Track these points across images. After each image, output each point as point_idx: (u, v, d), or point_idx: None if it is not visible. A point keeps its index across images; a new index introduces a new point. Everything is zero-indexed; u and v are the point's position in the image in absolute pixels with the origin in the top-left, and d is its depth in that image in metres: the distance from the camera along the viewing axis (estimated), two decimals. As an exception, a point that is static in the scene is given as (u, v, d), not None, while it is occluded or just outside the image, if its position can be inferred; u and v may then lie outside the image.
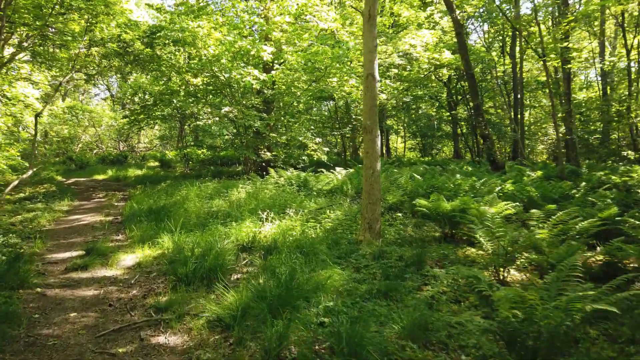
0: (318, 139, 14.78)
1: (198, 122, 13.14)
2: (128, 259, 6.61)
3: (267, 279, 5.47)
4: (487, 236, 6.03)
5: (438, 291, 5.42)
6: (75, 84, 34.39)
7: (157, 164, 22.30)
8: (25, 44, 20.64)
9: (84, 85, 36.34)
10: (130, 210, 9.65)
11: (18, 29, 14.90)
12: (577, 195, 9.05)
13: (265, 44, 14.16)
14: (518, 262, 6.11)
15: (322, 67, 14.89)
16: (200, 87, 16.22)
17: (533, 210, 6.96)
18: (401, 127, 35.31)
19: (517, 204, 7.91)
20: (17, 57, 18.00)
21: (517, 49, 22.25)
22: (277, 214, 8.41)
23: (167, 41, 13.75)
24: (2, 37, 13.06)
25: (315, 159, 15.54)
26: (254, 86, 14.60)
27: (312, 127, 16.14)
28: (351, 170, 14.23)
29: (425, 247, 6.93)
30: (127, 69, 14.16)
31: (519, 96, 23.05)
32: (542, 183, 10.66)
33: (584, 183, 10.29)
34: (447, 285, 5.55)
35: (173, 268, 5.76)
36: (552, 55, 14.12)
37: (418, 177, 10.93)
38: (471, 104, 22.34)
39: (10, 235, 7.34)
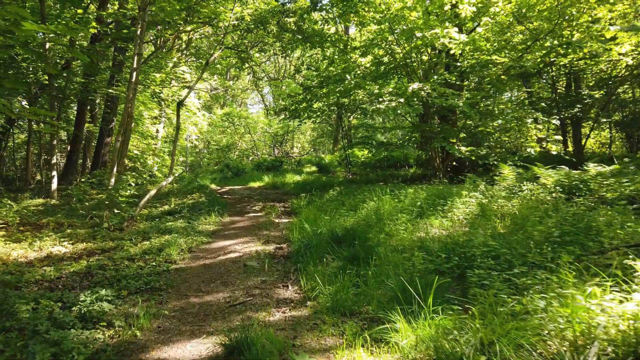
0: (555, 120, 9.38)
1: (379, 106, 8.99)
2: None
3: None
4: None
5: None
6: (233, 94, 34.09)
7: (314, 168, 19.09)
8: (185, 53, 19.43)
9: (240, 95, 36.05)
10: (300, 236, 5.75)
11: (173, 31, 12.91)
12: None
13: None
14: None
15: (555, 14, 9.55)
16: (371, 67, 12.18)
17: None
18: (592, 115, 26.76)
19: None
20: (180, 62, 16.42)
21: None
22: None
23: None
24: (142, 32, 10.69)
25: (534, 151, 10.08)
26: (453, 51, 9.96)
27: (526, 108, 10.75)
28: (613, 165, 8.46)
29: None
30: (287, 37, 10.75)
31: None
32: None
33: None
34: None
35: None
36: None
37: None
38: None
39: (106, 291, 3.85)
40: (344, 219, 6.72)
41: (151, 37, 18.06)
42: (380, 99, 9.52)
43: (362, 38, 11.82)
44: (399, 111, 9.00)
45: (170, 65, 16.14)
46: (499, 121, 9.48)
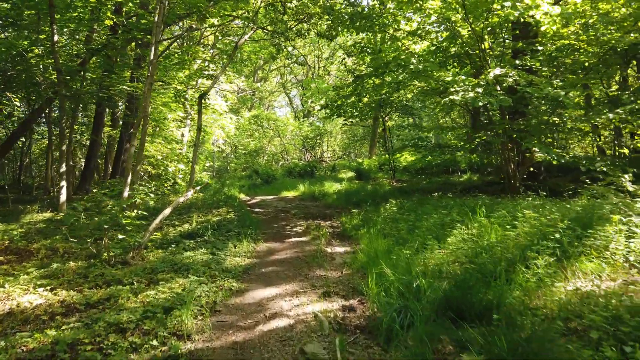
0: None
1: (453, 97, 6.87)
2: None
3: None
4: None
5: None
6: (260, 96, 32.45)
7: (351, 174, 16.99)
8: (212, 52, 17.68)
9: (268, 97, 34.43)
10: (381, 288, 3.68)
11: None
12: None
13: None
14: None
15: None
16: (426, 56, 10.05)
17: None
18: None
19: None
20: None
21: None
22: None
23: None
24: (159, 17, 8.96)
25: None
26: (544, 27, 7.82)
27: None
28: None
29: None
30: (336, 8, 8.66)
31: None
32: None
33: None
34: None
35: None
36: None
37: None
38: None
39: None
40: (430, 253, 4.61)
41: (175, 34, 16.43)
42: (452, 89, 7.38)
43: (415, 20, 9.65)
44: (480, 102, 6.83)
45: (198, 62, 14.42)
46: (610, 115, 7.17)
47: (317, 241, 6.12)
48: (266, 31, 9.48)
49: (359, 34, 9.35)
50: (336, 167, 19.13)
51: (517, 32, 9.65)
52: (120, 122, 15.64)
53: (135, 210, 5.84)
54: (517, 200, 6.56)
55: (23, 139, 17.41)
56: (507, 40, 10.23)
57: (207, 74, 13.27)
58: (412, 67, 7.14)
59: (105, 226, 5.42)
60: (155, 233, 6.01)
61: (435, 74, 7.41)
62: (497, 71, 7.38)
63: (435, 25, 9.50)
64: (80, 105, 13.98)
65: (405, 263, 4.25)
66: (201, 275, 4.59)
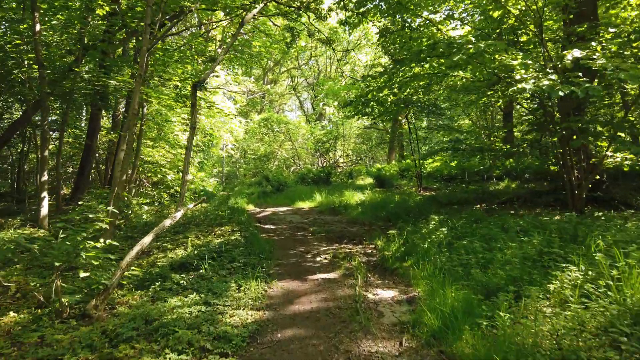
0: None
1: (523, 85, 5.20)
2: None
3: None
4: None
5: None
6: (270, 99, 30.96)
7: (369, 180, 15.29)
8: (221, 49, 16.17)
9: (278, 100, 32.95)
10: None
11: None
12: None
13: None
14: None
15: None
16: (463, 41, 8.36)
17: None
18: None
19: None
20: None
21: None
22: None
23: None
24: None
25: None
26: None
27: None
28: None
29: None
30: None
31: None
32: None
33: None
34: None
35: None
36: None
37: None
38: None
39: None
40: (539, 315, 2.90)
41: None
42: (519, 77, 5.69)
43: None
44: (560, 92, 5.13)
45: (202, 58, 12.86)
46: None
47: (351, 279, 4.43)
48: (279, 3, 7.81)
49: (389, 16, 7.70)
50: (353, 173, 17.42)
51: (572, 16, 7.93)
52: (121, 125, 14.19)
53: (102, 240, 4.21)
54: (613, 219, 4.83)
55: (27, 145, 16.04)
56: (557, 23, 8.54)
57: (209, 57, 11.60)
58: (470, 46, 5.45)
59: (57, 264, 3.80)
60: (129, 270, 4.38)
61: (497, 56, 5.72)
62: (577, 53, 5.68)
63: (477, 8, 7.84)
64: (72, 106, 12.49)
65: (506, 338, 2.56)
66: (185, 349, 2.95)
